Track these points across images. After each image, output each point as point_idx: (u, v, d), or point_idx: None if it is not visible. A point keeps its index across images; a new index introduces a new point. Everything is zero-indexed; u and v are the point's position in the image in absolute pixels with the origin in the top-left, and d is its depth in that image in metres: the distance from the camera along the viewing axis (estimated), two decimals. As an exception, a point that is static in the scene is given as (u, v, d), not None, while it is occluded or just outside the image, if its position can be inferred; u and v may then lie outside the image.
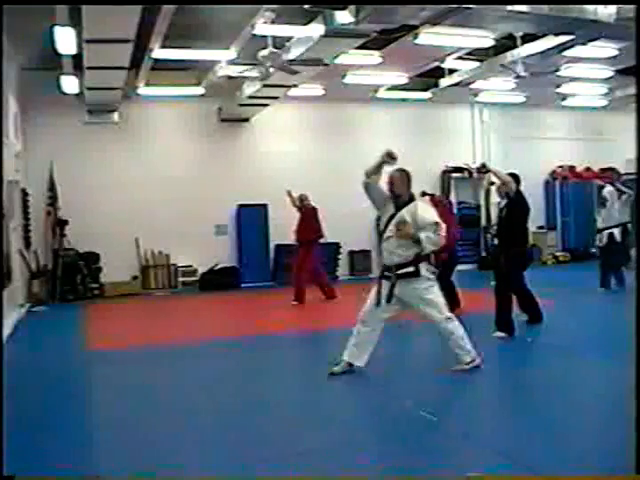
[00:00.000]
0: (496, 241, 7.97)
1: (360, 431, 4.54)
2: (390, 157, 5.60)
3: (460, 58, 11.44)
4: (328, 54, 9.24)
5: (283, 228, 12.10)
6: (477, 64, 11.56)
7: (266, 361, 6.94)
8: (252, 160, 13.89)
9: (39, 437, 4.45)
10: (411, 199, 5.73)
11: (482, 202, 15.75)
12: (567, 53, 10.02)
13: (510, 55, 10.38)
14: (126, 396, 5.56)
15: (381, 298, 5.64)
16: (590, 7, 7.53)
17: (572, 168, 16.65)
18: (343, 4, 7.44)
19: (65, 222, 12.27)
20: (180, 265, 13.41)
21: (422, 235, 5.50)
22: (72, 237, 12.30)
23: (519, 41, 9.89)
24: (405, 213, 5.61)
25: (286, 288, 11.34)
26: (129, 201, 12.83)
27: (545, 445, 3.93)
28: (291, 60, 9.06)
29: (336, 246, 13.80)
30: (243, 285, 13.51)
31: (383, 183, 5.80)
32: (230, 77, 11.00)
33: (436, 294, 5.70)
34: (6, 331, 8.13)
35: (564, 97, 15.06)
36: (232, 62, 10.30)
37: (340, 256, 14.22)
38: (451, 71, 12.37)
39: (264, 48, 8.76)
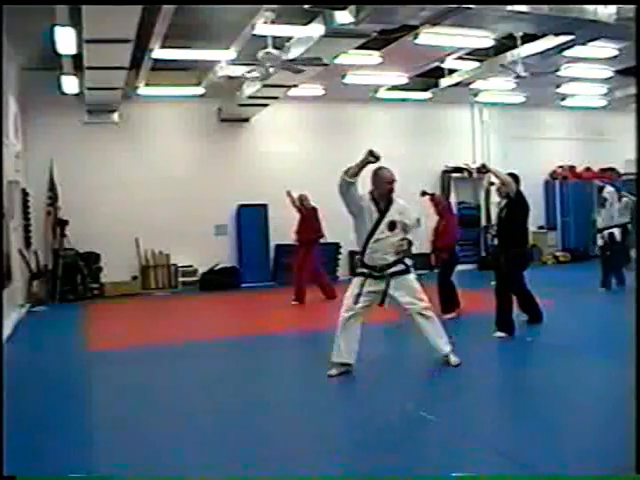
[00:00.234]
0: (496, 241, 7.98)
1: (360, 431, 4.53)
2: (373, 156, 5.59)
3: (460, 58, 11.44)
4: (328, 54, 9.24)
5: (283, 228, 12.11)
6: (477, 64, 11.56)
7: (266, 361, 6.94)
8: (252, 160, 13.89)
9: (39, 437, 4.45)
10: (391, 198, 5.83)
11: (482, 202, 15.76)
12: (567, 53, 10.02)
13: (510, 55, 10.38)
14: (126, 396, 5.56)
15: (360, 295, 5.71)
16: (590, 7, 7.53)
17: (572, 168, 16.65)
18: (343, 4, 7.45)
19: (65, 222, 12.27)
20: (180, 265, 13.41)
21: (410, 237, 5.73)
22: (72, 237, 12.29)
23: (519, 41, 9.88)
24: (394, 213, 5.74)
25: (286, 288, 11.34)
26: (129, 201, 12.83)
27: (545, 445, 3.93)
28: (291, 60, 9.06)
29: (336, 246, 13.79)
30: (243, 285, 13.51)
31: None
32: (230, 77, 11.00)
33: (418, 283, 5.92)
34: (6, 331, 8.12)
35: (564, 97, 15.05)
36: (232, 62, 10.30)
37: (340, 256, 14.21)
38: (451, 71, 12.38)
39: (264, 48, 8.76)
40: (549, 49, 9.70)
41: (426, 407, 4.73)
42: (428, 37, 9.13)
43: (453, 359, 5.89)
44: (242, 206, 13.72)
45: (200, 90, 12.01)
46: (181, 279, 13.42)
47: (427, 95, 13.60)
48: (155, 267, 13.27)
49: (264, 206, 13.65)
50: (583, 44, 9.49)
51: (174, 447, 4.20)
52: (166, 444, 4.30)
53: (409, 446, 4.20)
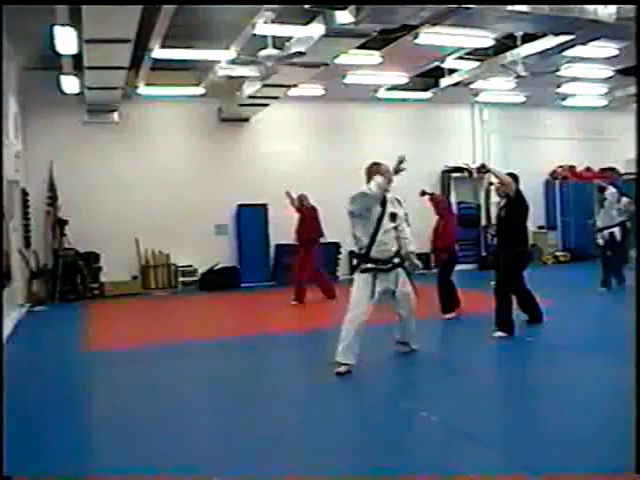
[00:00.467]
0: (496, 241, 7.98)
1: (361, 431, 4.53)
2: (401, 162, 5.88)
3: (460, 58, 11.44)
4: (328, 54, 9.24)
5: (283, 228, 12.11)
6: (477, 64, 11.56)
7: (266, 361, 6.94)
8: (252, 160, 13.89)
9: (39, 437, 4.46)
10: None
11: (482, 202, 15.76)
12: (567, 53, 10.02)
13: (510, 55, 10.39)
14: (126, 396, 5.56)
15: (375, 290, 5.83)
16: (590, 7, 7.54)
17: (572, 168, 16.65)
18: (343, 4, 7.45)
19: (65, 222, 12.27)
20: (180, 265, 13.42)
21: (408, 233, 6.18)
22: (72, 237, 12.30)
23: (519, 41, 9.89)
24: (390, 205, 5.96)
25: (286, 288, 11.34)
26: (129, 201, 12.83)
27: (545, 445, 3.93)
28: (291, 57, 9.06)
29: (336, 246, 13.79)
30: (243, 285, 13.52)
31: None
32: (230, 77, 11.00)
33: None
34: (6, 331, 8.13)
35: (564, 97, 15.06)
36: (232, 62, 10.30)
37: (340, 256, 14.21)
38: (451, 71, 12.38)
39: (264, 48, 8.76)
40: (549, 49, 9.70)
41: (426, 407, 4.73)
42: (428, 37, 9.13)
43: (413, 348, 6.38)
44: (242, 206, 13.72)
45: (200, 90, 12.00)
46: (181, 279, 13.43)
47: (427, 95, 13.60)
48: (155, 267, 13.27)
49: (264, 206, 13.65)
50: (583, 44, 9.49)
51: (174, 447, 4.20)
52: (166, 444, 4.29)
53: (410, 446, 4.20)
